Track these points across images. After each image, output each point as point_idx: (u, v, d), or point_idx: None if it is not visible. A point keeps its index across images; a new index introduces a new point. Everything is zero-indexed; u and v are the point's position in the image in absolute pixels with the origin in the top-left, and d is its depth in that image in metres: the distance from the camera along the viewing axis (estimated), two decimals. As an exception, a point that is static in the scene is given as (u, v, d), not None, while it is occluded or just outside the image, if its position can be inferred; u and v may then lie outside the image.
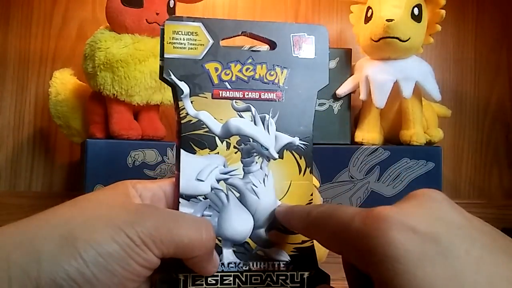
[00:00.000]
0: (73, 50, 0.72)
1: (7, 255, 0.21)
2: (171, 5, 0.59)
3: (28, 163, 0.72)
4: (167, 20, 0.29)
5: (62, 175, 0.73)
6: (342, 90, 0.62)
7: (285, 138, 0.30)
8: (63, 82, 0.63)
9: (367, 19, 0.61)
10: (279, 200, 0.29)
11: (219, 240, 0.28)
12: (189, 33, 0.29)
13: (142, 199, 0.28)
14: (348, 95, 0.64)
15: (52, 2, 0.73)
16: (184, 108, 0.29)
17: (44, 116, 0.72)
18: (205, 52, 0.29)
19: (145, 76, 0.55)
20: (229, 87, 0.29)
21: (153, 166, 0.55)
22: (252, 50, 0.30)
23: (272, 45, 0.30)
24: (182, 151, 0.29)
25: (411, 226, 0.19)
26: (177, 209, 0.28)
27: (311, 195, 0.30)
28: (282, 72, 0.30)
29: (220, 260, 0.28)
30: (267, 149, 0.29)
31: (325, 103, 0.63)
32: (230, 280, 0.28)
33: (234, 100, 0.29)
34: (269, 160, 0.29)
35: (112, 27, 0.58)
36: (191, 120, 0.29)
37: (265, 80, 0.30)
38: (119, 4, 0.57)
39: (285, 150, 0.30)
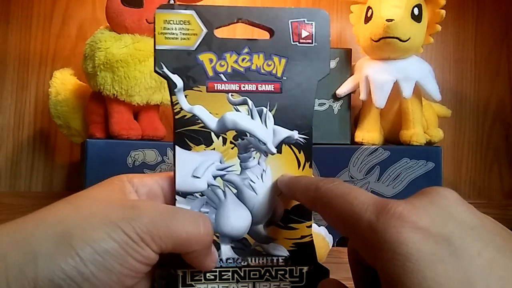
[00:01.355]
0: (73, 50, 0.73)
1: (5, 255, 0.21)
2: (171, 5, 0.59)
3: (28, 163, 0.72)
4: (157, 8, 0.27)
5: (62, 175, 0.73)
6: (342, 90, 0.62)
7: (284, 132, 0.29)
8: (63, 82, 0.63)
9: (367, 19, 0.61)
10: (278, 196, 0.29)
11: (217, 237, 0.28)
12: (181, 22, 0.27)
13: (139, 194, 0.27)
14: (348, 95, 0.64)
15: (52, 2, 0.73)
16: (178, 103, 0.28)
17: (44, 116, 0.72)
18: (198, 42, 0.28)
19: (145, 76, 0.55)
20: (224, 79, 0.28)
21: (153, 166, 0.55)
22: (249, 39, 0.28)
23: (270, 32, 0.29)
24: (177, 147, 0.28)
25: (424, 225, 0.19)
26: (174, 205, 0.28)
27: None
28: (280, 62, 0.28)
29: (219, 256, 0.28)
30: (265, 144, 0.29)
31: (325, 103, 0.63)
32: (229, 276, 0.28)
33: (230, 93, 0.28)
34: (267, 155, 0.29)
35: (112, 27, 0.58)
36: (185, 115, 0.28)
37: (262, 71, 0.28)
38: (119, 4, 0.57)
39: (283, 145, 0.29)
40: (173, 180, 0.28)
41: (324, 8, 0.77)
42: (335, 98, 0.63)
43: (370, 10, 0.61)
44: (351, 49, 0.64)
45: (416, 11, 0.58)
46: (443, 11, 0.59)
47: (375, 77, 0.59)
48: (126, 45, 0.55)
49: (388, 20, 0.57)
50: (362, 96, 0.60)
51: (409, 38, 0.58)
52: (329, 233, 0.48)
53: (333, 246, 0.49)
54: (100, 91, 0.56)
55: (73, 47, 0.73)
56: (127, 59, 0.55)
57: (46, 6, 0.72)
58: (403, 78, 0.58)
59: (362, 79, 0.60)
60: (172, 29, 0.27)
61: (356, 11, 0.65)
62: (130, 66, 0.55)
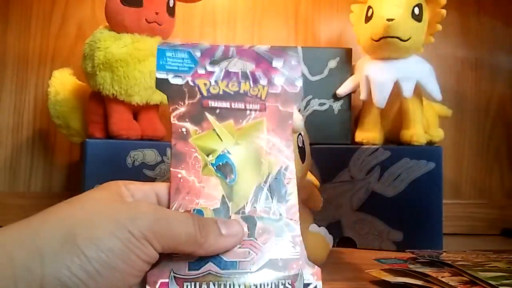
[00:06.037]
0: (72, 50, 0.72)
1: (12, 254, 0.21)
2: (171, 5, 0.59)
3: (28, 164, 0.72)
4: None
5: (61, 176, 0.72)
6: (342, 90, 0.62)
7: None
8: (63, 82, 0.63)
9: (368, 19, 0.61)
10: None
11: None
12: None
13: (134, 199, 0.28)
14: (349, 95, 0.63)
15: (52, 2, 0.72)
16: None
17: (44, 116, 0.72)
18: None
19: (145, 76, 0.55)
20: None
21: (152, 166, 0.55)
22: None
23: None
24: None
25: None
26: None
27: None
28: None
29: None
30: None
31: (325, 103, 0.63)
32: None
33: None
34: None
35: (111, 27, 0.58)
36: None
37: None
38: (118, 3, 0.56)
39: None
40: (168, 187, 0.29)
41: (324, 8, 0.78)
42: (335, 98, 0.63)
43: (371, 9, 0.61)
44: (351, 49, 0.64)
45: (416, 10, 0.58)
46: (444, 11, 0.59)
47: (375, 77, 0.59)
48: (125, 44, 0.55)
49: (388, 20, 0.57)
50: (363, 96, 0.60)
51: (410, 38, 0.58)
52: (329, 233, 0.48)
53: (333, 246, 0.48)
54: (100, 91, 0.56)
55: (73, 47, 0.72)
56: (127, 59, 0.54)
57: (45, 5, 0.72)
58: (404, 78, 0.58)
59: (363, 79, 0.60)
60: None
61: (357, 10, 0.65)
62: (129, 66, 0.55)
